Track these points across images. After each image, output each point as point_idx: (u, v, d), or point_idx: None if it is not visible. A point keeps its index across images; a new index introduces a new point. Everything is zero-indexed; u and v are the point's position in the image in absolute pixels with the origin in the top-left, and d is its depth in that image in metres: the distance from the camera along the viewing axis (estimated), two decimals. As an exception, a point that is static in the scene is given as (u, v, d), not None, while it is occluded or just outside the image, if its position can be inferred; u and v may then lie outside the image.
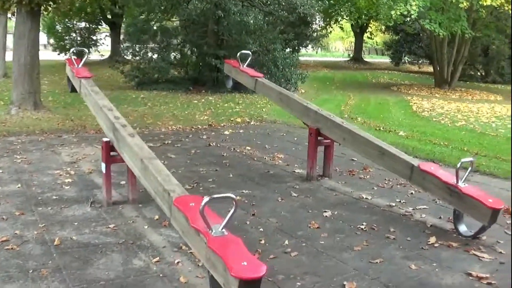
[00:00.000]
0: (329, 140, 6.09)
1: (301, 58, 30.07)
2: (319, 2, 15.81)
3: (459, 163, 4.30)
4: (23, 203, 5.01)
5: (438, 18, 14.46)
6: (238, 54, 7.24)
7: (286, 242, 4.17)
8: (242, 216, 4.79)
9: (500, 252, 4.06)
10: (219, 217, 3.08)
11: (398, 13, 14.19)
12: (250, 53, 7.32)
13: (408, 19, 14.77)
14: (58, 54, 24.47)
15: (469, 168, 4.38)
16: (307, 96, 15.58)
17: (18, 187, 5.54)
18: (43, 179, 5.85)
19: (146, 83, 15.73)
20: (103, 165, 4.93)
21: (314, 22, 26.22)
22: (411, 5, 13.66)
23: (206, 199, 2.93)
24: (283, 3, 15.34)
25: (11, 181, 5.76)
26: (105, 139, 4.87)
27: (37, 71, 9.79)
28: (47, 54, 24.48)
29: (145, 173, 4.03)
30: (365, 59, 35.10)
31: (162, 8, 16.40)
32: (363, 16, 24.80)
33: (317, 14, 18.32)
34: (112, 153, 4.84)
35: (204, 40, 15.88)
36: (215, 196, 3.03)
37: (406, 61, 29.89)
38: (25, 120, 9.21)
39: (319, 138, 6.09)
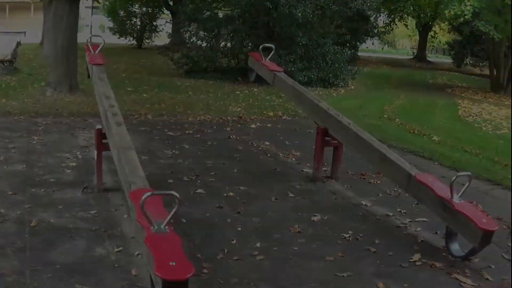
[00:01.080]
0: (337, 141, 5.87)
1: (363, 54, 29.50)
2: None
3: (454, 177, 4.03)
4: (19, 183, 5.14)
5: (493, 20, 13.69)
6: (261, 47, 7.10)
7: (258, 244, 4.05)
8: (227, 213, 4.71)
9: (487, 279, 3.71)
10: (168, 213, 3.03)
11: (452, 12, 13.55)
12: (273, 46, 7.15)
13: (462, 19, 14.06)
14: (118, 38, 25.17)
15: (467, 184, 4.10)
16: (355, 93, 15.21)
17: (23, 167, 5.69)
18: (48, 161, 5.98)
19: (194, 72, 15.73)
20: (95, 152, 4.97)
21: (377, 18, 25.48)
22: (465, 5, 13.01)
23: (146, 194, 2.90)
24: (334, -3, 14.98)
25: (18, 161, 5.92)
26: (98, 126, 4.91)
27: (75, 54, 10.00)
28: (109, 38, 25.19)
29: (119, 163, 4.03)
30: (428, 59, 33.82)
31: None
32: (428, 15, 23.96)
33: (369, 11, 17.71)
34: (104, 141, 4.86)
35: (255, 31, 15.78)
36: (156, 192, 3.01)
37: (469, 62, 28.49)
38: (57, 102, 9.42)
39: (327, 138, 5.88)
